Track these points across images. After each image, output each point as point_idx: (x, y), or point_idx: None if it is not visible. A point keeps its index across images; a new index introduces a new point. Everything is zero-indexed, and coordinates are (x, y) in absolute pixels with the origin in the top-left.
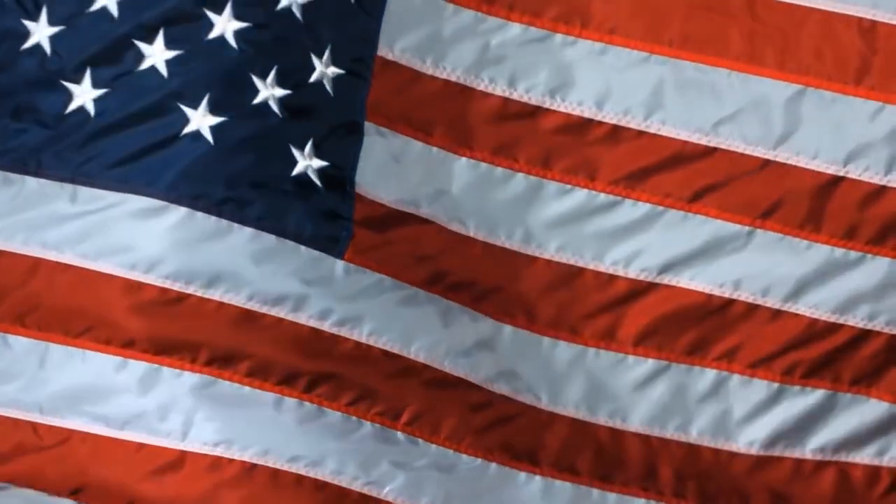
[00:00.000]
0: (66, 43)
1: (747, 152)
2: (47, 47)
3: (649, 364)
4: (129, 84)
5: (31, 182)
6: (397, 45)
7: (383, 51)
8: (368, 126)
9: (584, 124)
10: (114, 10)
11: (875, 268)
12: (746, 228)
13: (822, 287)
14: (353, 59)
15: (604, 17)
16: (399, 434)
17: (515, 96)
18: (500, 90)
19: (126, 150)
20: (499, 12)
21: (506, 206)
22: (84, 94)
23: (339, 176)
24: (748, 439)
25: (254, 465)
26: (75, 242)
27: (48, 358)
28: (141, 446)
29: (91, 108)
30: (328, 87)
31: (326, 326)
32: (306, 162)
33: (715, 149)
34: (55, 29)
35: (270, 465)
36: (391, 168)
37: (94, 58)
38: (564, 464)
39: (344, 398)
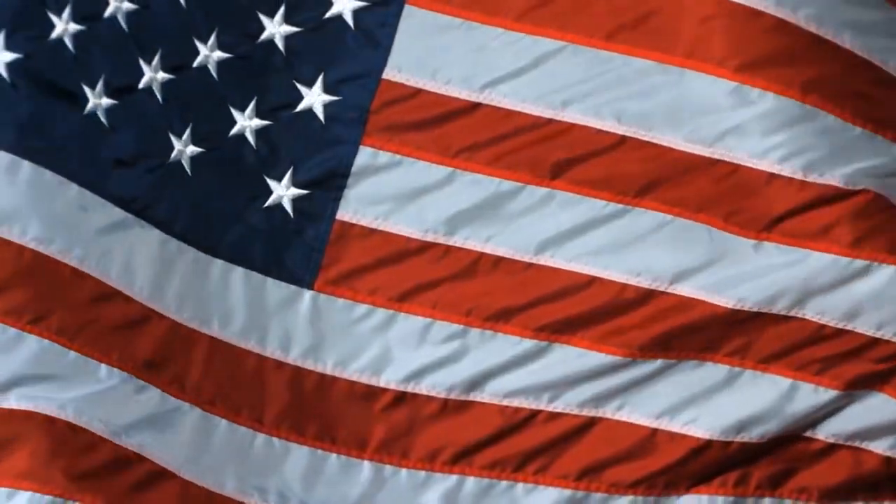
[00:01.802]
0: (85, 45)
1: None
2: (70, 44)
3: (657, 364)
4: (132, 102)
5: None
6: (407, 66)
7: (390, 73)
8: (364, 150)
9: (594, 136)
10: (123, 22)
11: (882, 276)
12: (752, 242)
13: (830, 295)
14: (350, 84)
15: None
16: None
17: (527, 110)
18: (511, 105)
19: (128, 176)
20: (507, 24)
21: (515, 219)
22: (96, 100)
23: (321, 203)
24: (760, 432)
25: None
26: None
27: None
28: None
29: (104, 118)
30: (319, 115)
31: (290, 359)
32: (282, 192)
33: (718, 160)
34: (77, 27)
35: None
36: (384, 191)
37: (104, 66)
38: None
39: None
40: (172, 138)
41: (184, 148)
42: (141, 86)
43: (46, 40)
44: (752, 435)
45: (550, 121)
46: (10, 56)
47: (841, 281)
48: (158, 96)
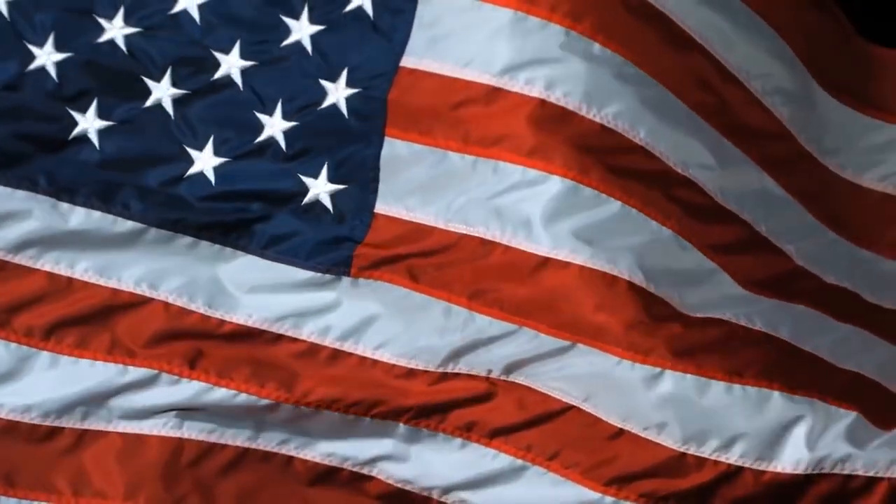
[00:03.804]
0: (71, 71)
1: None
2: (53, 73)
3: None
4: (135, 120)
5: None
6: (428, 53)
7: (408, 60)
8: (388, 141)
9: (614, 135)
10: (122, 45)
11: None
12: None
13: None
14: (370, 75)
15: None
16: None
17: (552, 99)
18: (536, 92)
19: (133, 188)
20: (540, 13)
21: (542, 208)
22: (87, 123)
23: (357, 197)
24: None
25: None
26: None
27: None
28: None
29: (95, 140)
30: (343, 109)
31: (328, 342)
32: (319, 189)
33: None
34: (62, 55)
35: None
36: (414, 181)
37: (99, 89)
38: None
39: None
40: (191, 151)
41: (207, 159)
42: (148, 104)
43: (27, 70)
44: (784, 464)
45: (573, 114)
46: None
47: None
48: (170, 112)
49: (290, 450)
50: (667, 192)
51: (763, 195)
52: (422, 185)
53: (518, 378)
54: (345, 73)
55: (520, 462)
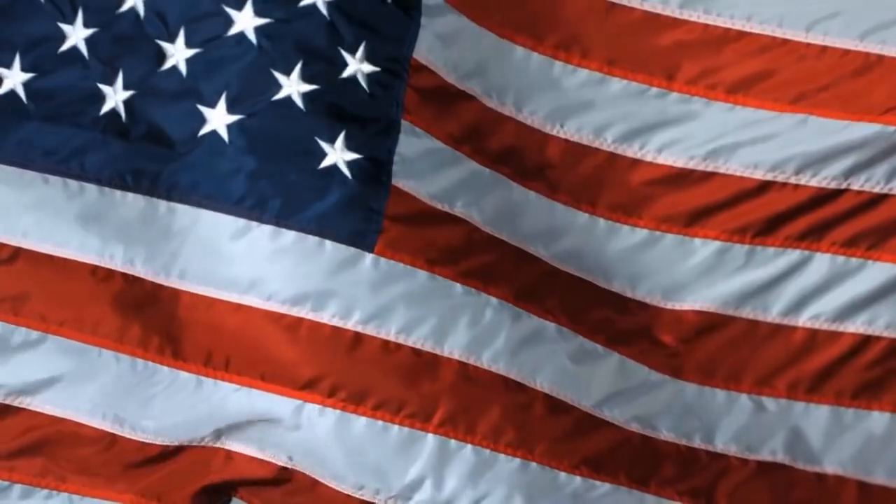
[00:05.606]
0: (99, 46)
1: (746, 175)
2: (84, 50)
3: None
4: (154, 85)
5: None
6: (433, 53)
7: (419, 53)
8: (405, 124)
9: (583, 150)
10: (140, 11)
11: (876, 273)
12: (746, 247)
13: (824, 297)
14: (389, 58)
15: (603, 47)
16: (430, 436)
17: (520, 118)
18: (507, 111)
19: (152, 157)
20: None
21: (531, 221)
22: (116, 96)
23: (375, 168)
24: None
25: None
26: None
27: None
28: None
29: (122, 111)
30: (363, 84)
31: (350, 325)
32: (337, 155)
33: (713, 173)
34: (89, 31)
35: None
36: (428, 166)
37: (122, 60)
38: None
39: (369, 402)
40: (204, 110)
41: (221, 118)
42: (165, 67)
43: (58, 52)
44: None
45: (539, 131)
46: (26, 76)
47: (836, 280)
48: (183, 72)
49: (323, 476)
50: None
51: None
52: (434, 171)
53: (549, 384)
54: (362, 47)
55: (549, 471)
